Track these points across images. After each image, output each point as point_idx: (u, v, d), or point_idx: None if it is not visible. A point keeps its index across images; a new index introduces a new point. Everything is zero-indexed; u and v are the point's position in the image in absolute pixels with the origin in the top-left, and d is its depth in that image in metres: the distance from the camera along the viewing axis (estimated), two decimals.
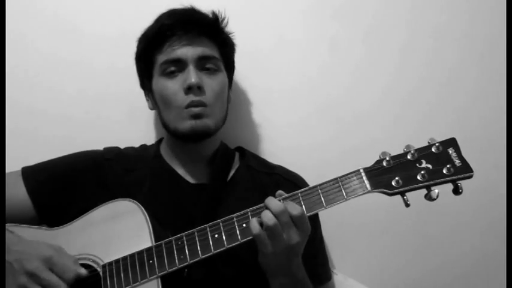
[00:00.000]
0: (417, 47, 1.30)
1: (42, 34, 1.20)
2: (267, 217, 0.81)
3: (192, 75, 0.98)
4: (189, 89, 0.98)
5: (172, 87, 0.99)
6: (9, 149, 1.04)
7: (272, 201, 0.83)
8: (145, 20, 1.05)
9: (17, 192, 0.98)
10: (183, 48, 0.99)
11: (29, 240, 0.88)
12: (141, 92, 1.11)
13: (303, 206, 0.83)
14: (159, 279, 0.84)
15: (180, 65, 1.00)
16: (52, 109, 1.20)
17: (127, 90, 1.20)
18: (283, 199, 0.84)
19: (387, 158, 0.84)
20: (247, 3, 1.24)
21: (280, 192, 0.86)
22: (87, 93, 1.22)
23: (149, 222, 0.89)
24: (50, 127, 1.20)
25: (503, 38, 1.27)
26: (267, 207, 0.83)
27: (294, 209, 0.81)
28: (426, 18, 1.30)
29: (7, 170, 0.99)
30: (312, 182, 0.87)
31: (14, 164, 1.01)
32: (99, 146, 1.09)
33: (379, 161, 0.84)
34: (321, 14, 1.27)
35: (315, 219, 1.06)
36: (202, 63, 1.01)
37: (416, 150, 0.84)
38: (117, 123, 1.23)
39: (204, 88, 0.99)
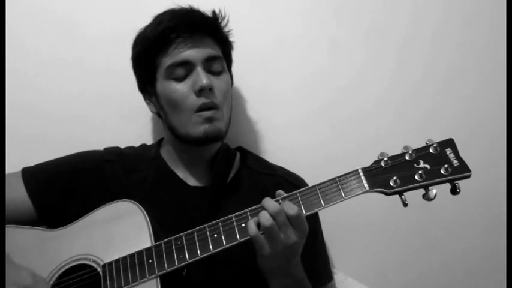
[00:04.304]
0: (416, 47, 1.30)
1: (42, 34, 1.20)
2: (264, 218, 0.81)
3: (203, 77, 0.96)
4: (200, 91, 0.97)
5: (182, 90, 0.98)
6: (9, 149, 1.04)
7: (269, 202, 0.83)
8: (145, 19, 1.04)
9: (17, 194, 0.98)
10: (190, 50, 0.98)
11: (12, 263, 0.84)
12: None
13: (302, 206, 0.84)
14: (159, 279, 0.84)
15: (187, 67, 0.98)
16: (52, 109, 1.21)
17: (126, 90, 1.20)
18: (282, 199, 0.85)
19: (385, 158, 0.84)
20: (246, 3, 1.24)
21: (279, 192, 0.86)
22: (87, 93, 1.22)
23: (149, 222, 0.89)
24: (49, 127, 1.20)
25: (503, 38, 1.27)
26: (263, 208, 0.83)
27: (291, 208, 0.81)
28: (426, 18, 1.30)
29: (7, 171, 0.99)
30: (310, 182, 0.87)
31: (13, 164, 1.01)
32: (99, 146, 1.09)
33: (378, 161, 0.85)
34: (320, 13, 1.27)
35: (315, 221, 1.06)
36: (209, 65, 1.00)
37: (414, 150, 0.84)
38: (117, 123, 1.23)
39: (214, 90, 0.98)
